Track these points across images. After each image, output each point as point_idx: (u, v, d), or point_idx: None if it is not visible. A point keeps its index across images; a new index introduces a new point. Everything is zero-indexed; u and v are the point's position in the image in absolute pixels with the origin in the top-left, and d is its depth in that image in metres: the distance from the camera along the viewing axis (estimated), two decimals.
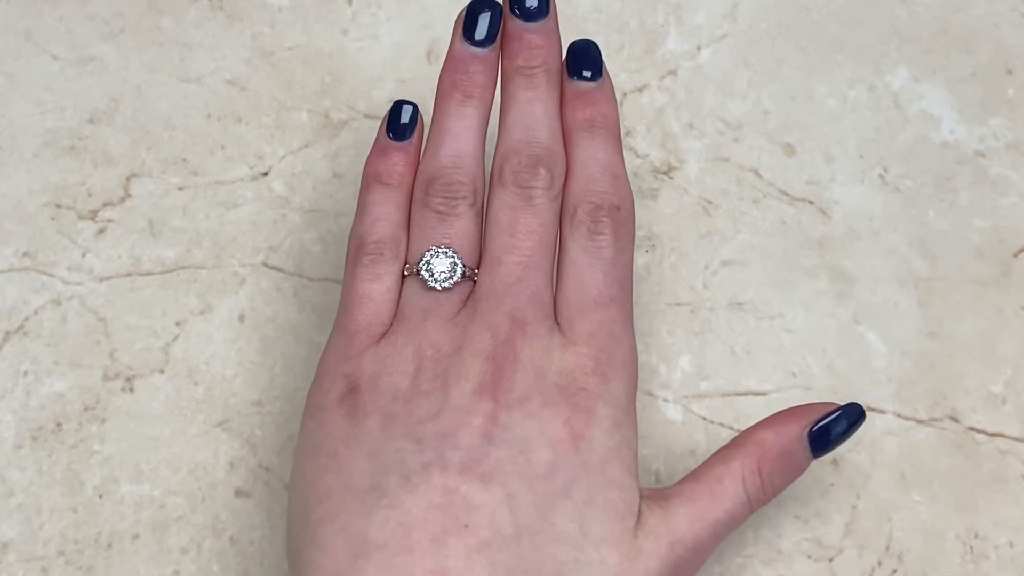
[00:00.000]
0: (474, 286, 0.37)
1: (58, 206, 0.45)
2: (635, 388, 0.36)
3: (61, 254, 0.44)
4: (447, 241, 0.37)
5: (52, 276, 0.44)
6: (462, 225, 0.37)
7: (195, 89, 0.47)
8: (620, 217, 0.37)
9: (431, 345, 0.35)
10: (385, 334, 0.36)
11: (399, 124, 0.39)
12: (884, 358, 0.44)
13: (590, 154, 0.38)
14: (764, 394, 0.43)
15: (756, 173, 0.47)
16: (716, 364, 0.44)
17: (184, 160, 0.46)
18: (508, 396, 0.34)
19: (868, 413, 0.42)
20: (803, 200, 0.47)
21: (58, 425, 0.41)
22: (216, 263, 0.44)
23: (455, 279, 0.36)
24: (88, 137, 0.46)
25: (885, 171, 0.48)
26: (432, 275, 0.36)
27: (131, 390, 0.42)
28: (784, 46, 0.50)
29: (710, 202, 0.47)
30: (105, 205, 0.45)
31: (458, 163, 0.38)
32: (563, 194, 0.38)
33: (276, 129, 0.47)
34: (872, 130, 0.48)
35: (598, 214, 0.37)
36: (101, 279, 0.44)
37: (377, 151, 0.39)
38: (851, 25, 0.50)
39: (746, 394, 0.43)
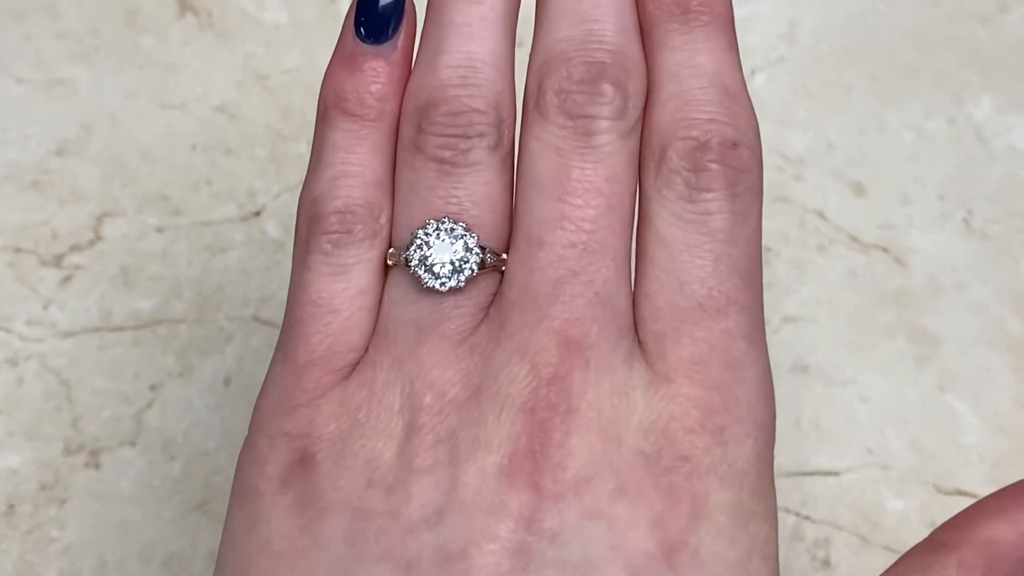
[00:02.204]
0: (500, 284, 0.26)
1: (17, 250, 0.43)
2: (771, 449, 0.25)
3: (19, 306, 0.42)
4: (454, 209, 0.26)
5: (8, 331, 0.42)
6: (478, 182, 0.26)
7: (178, 116, 0.46)
8: (739, 160, 0.25)
9: (430, 386, 0.24)
10: (356, 366, 0.25)
11: (376, 13, 0.27)
12: (975, 432, 0.42)
13: (686, 59, 0.26)
14: (836, 474, 0.41)
15: (821, 216, 0.45)
16: (779, 438, 0.39)
17: (164, 197, 0.44)
18: (558, 479, 0.23)
19: (958, 498, 0.40)
20: (876, 247, 0.45)
21: (10, 507, 0.39)
22: (199, 317, 0.42)
23: (467, 273, 0.25)
24: (54, 171, 0.44)
25: (970, 214, 0.45)
26: (430, 266, 0.25)
27: (96, 466, 0.40)
28: (850, 71, 0.48)
29: (769, 248, 0.44)
30: (72, 249, 0.43)
31: (471, 77, 0.26)
32: (643, 127, 0.26)
33: (270, 163, 0.45)
34: (953, 167, 0.46)
35: (702, 157, 0.25)
36: (65, 335, 0.42)
37: (340, 61, 0.27)
38: (927, 49, 0.49)
39: (814, 474, 0.41)
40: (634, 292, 0.25)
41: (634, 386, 0.24)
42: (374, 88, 0.27)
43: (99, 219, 0.44)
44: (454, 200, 0.26)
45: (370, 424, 0.25)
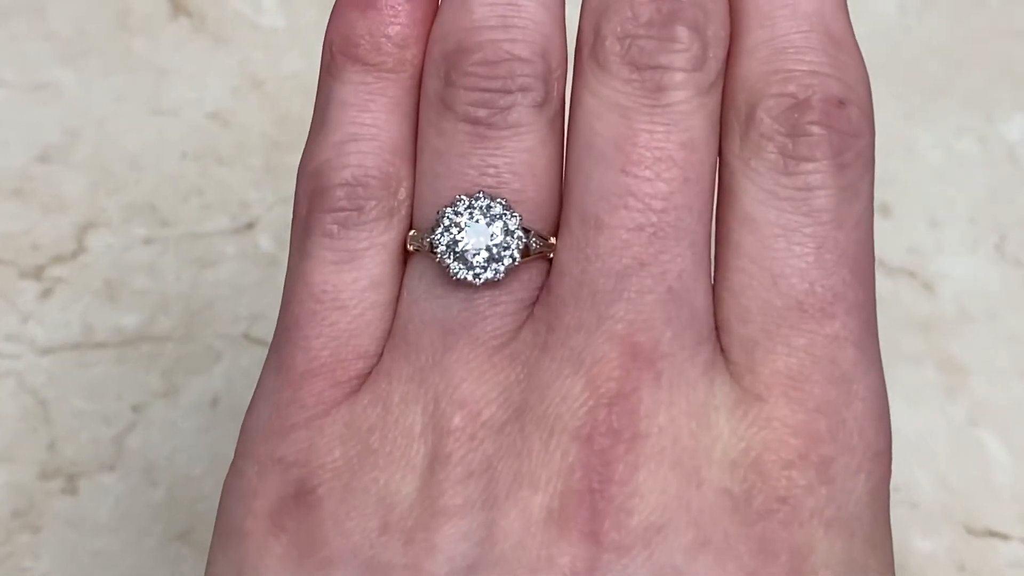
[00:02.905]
0: (548, 276, 0.22)
1: None
2: (887, 485, 0.22)
3: None
4: (491, 182, 0.22)
5: None
6: (520, 148, 0.22)
7: (170, 123, 0.45)
8: (846, 122, 0.21)
9: (460, 404, 0.21)
10: (367, 377, 0.22)
11: None
12: (1008, 470, 0.40)
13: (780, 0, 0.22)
14: None
15: None
16: None
17: (152, 208, 0.43)
18: (622, 527, 0.20)
19: (989, 539, 0.39)
20: (903, 272, 0.43)
21: None
22: (186, 334, 0.41)
23: (507, 261, 0.22)
24: (37, 178, 0.44)
25: (1002, 239, 0.44)
26: (461, 253, 0.22)
27: (73, 492, 0.39)
28: (877, 88, 0.45)
29: None
30: (54, 261, 0.42)
31: (511, 17, 0.22)
32: (726, 82, 0.22)
33: (265, 172, 0.44)
34: (985, 189, 0.45)
35: (801, 118, 0.21)
36: (44, 352, 0.41)
37: (349, 1, 0.23)
38: (957, 65, 0.47)
39: None
40: (715, 287, 0.22)
41: (717, 407, 0.21)
42: (392, 30, 0.23)
43: (83, 229, 0.43)
44: (491, 170, 0.22)
45: (384, 451, 0.21)
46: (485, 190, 0.22)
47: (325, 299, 0.22)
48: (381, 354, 0.22)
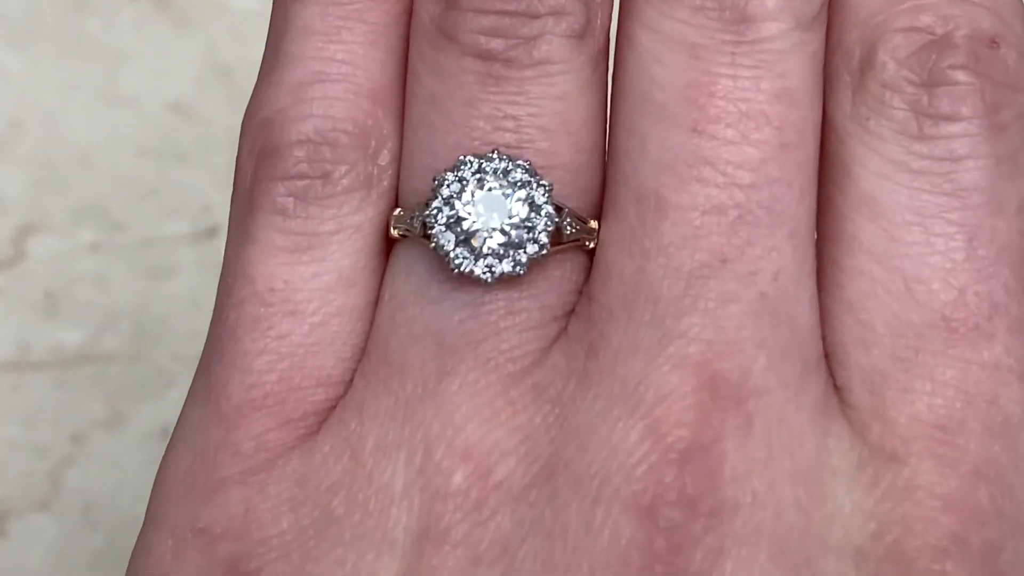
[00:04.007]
0: (587, 274, 0.18)
1: None
2: None
3: None
4: (509, 138, 0.18)
5: None
6: (550, 94, 0.18)
7: (125, 114, 0.42)
8: (1001, 68, 0.17)
9: (463, 456, 0.17)
10: (332, 411, 0.18)
11: None
12: None
13: None
14: None
15: None
16: None
17: (103, 210, 0.41)
18: None
19: None
20: None
21: None
22: (136, 354, 0.39)
23: (532, 249, 0.17)
24: None
25: None
26: (467, 236, 0.17)
27: (3, 534, 0.37)
28: None
29: None
30: None
31: None
32: (831, 16, 0.18)
33: (230, 173, 0.42)
34: None
35: (941, 61, 0.17)
36: None
37: None
38: None
39: None
40: (821, 297, 0.17)
41: (833, 469, 0.16)
42: None
43: (23, 233, 0.40)
44: (509, 124, 0.17)
45: (352, 520, 0.17)
46: (501, 148, 0.17)
47: (273, 301, 0.18)
48: (351, 380, 0.18)
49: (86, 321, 0.39)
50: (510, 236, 0.17)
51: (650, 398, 0.16)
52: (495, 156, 0.17)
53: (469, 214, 0.17)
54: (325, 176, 0.18)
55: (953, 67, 0.17)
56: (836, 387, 0.17)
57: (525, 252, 0.17)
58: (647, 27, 0.17)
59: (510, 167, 0.17)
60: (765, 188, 0.17)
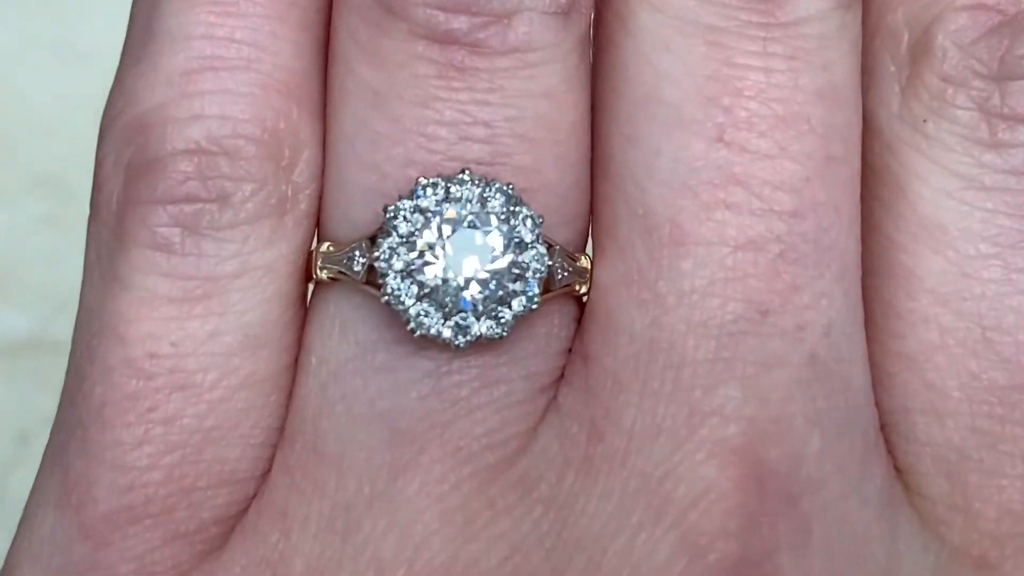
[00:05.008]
0: (578, 327, 0.15)
1: None
2: None
3: None
4: (480, 152, 0.14)
5: None
6: (533, 89, 0.14)
7: (83, 71, 0.39)
8: None
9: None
10: (242, 516, 0.15)
11: None
12: None
13: None
14: None
15: None
16: None
17: (56, 179, 0.39)
18: None
19: None
20: None
21: None
22: None
23: (520, 304, 0.14)
24: None
25: None
26: (432, 290, 0.14)
27: None
28: None
29: None
30: None
31: None
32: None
33: None
34: None
35: (1015, 43, 0.15)
36: None
37: None
38: None
39: None
40: (871, 346, 0.15)
41: None
42: None
43: None
44: (480, 131, 0.14)
45: None
46: (471, 167, 0.14)
47: (156, 371, 0.14)
48: (266, 474, 0.14)
49: (36, 303, 0.38)
50: (490, 287, 0.13)
51: (681, 498, 0.13)
52: (467, 177, 0.13)
53: (436, 258, 0.13)
54: (223, 198, 0.14)
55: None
56: (898, 468, 0.14)
57: (509, 309, 0.13)
58: (650, 5, 0.14)
59: (487, 193, 0.13)
60: (810, 216, 0.14)
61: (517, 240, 0.13)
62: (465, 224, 0.13)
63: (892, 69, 0.14)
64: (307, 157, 0.14)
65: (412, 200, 0.13)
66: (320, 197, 0.14)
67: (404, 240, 0.13)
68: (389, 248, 0.13)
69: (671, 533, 0.13)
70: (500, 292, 0.13)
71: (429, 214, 0.13)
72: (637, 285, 0.13)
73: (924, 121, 0.14)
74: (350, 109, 0.14)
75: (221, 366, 0.14)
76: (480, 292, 0.13)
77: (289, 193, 0.14)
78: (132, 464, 0.14)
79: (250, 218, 0.14)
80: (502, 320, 0.13)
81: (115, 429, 0.14)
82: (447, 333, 0.13)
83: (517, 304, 0.13)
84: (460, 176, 0.13)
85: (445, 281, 0.13)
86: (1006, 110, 0.14)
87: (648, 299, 0.13)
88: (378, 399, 0.13)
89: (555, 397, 0.14)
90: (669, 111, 0.14)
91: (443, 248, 0.13)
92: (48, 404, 0.34)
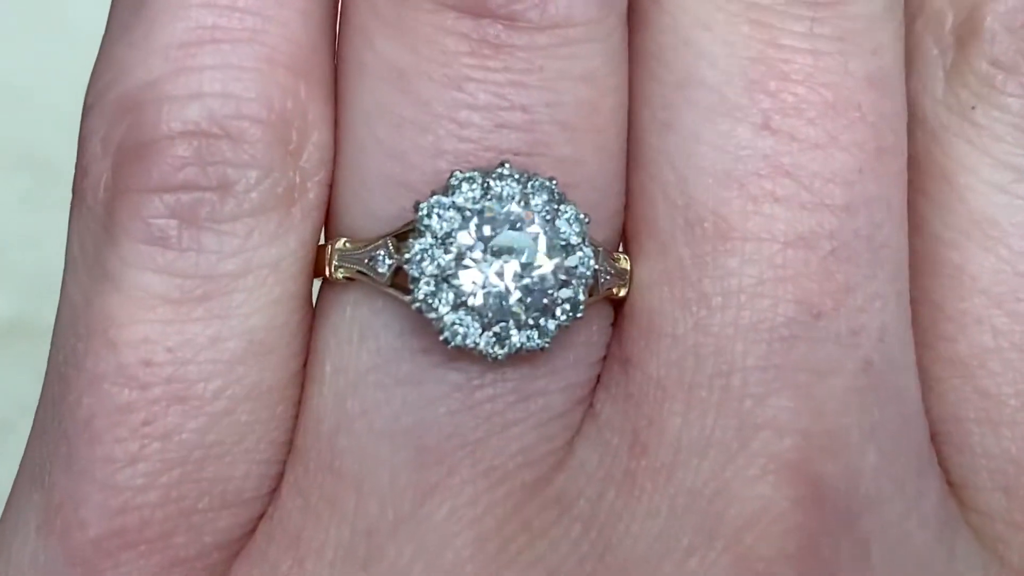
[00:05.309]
0: (617, 329, 0.14)
1: None
2: None
3: None
4: (518, 141, 0.13)
5: None
6: (574, 71, 0.13)
7: (66, 45, 0.38)
8: None
9: None
10: (249, 538, 0.14)
11: None
12: None
13: None
14: None
15: None
16: None
17: (39, 155, 0.39)
18: None
19: None
20: None
21: None
22: None
23: (564, 313, 0.13)
24: None
25: None
26: (465, 298, 0.12)
27: None
28: None
29: None
30: None
31: None
32: None
33: None
34: None
35: None
36: None
37: None
38: None
39: None
40: (918, 350, 0.14)
41: None
42: None
43: None
44: (518, 117, 0.13)
45: None
46: (509, 158, 0.12)
47: (151, 380, 0.13)
48: (273, 493, 0.13)
49: (18, 286, 0.37)
50: (533, 295, 0.12)
51: (734, 518, 0.12)
52: (507, 171, 0.12)
53: (475, 261, 0.12)
54: (225, 187, 0.13)
55: None
56: (951, 483, 0.13)
57: (553, 318, 0.12)
58: None
59: (529, 189, 0.12)
60: (862, 211, 0.13)
61: (563, 243, 0.12)
62: (506, 225, 0.12)
63: (935, 52, 0.14)
64: (316, 140, 0.13)
65: (448, 196, 0.12)
66: (330, 185, 0.13)
67: (439, 241, 0.12)
68: (421, 250, 0.12)
69: (724, 556, 0.12)
70: (544, 300, 0.12)
71: (467, 212, 0.12)
72: (680, 284, 0.12)
73: (972, 108, 0.13)
74: (369, 88, 0.13)
75: (223, 375, 0.13)
76: (522, 300, 0.12)
77: (297, 181, 0.13)
78: (125, 484, 0.12)
79: (255, 209, 0.13)
80: (545, 331, 0.12)
81: (105, 444, 0.13)
82: (484, 344, 0.12)
83: (561, 313, 0.12)
84: (499, 170, 0.12)
85: (484, 288, 0.12)
86: None
87: (692, 299, 0.12)
88: (403, 414, 0.12)
89: (591, 405, 0.13)
90: (710, 95, 0.13)
91: (482, 251, 0.12)
92: (31, 391, 0.33)
